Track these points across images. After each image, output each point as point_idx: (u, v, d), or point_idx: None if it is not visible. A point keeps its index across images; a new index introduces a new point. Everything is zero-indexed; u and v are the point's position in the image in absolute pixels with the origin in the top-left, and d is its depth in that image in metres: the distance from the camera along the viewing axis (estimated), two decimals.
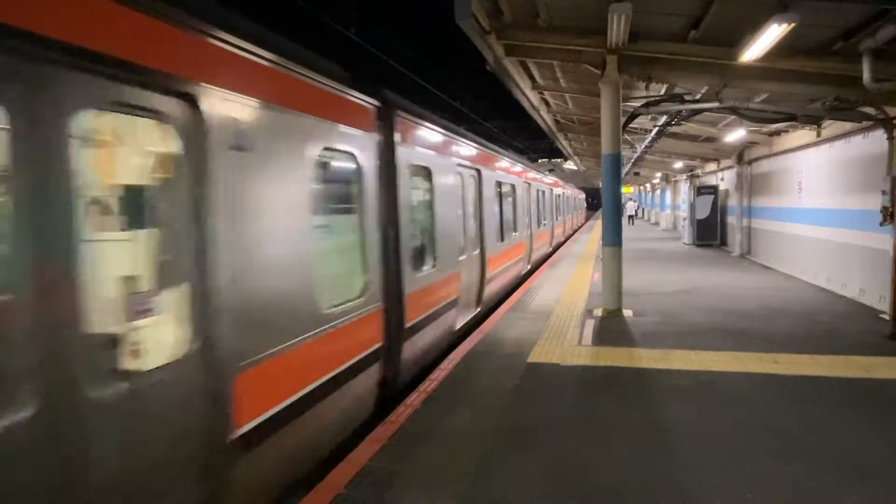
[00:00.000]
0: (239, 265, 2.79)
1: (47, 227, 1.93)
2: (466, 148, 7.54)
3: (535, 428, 4.09)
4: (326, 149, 3.75)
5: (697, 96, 8.88)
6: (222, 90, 2.72)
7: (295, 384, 3.24)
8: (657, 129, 11.26)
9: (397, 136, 4.82)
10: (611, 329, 7.03)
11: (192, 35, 2.59)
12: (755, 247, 14.11)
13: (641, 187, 40.59)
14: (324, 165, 3.84)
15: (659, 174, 27.31)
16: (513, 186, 10.93)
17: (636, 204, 38.67)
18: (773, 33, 5.29)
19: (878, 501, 3.05)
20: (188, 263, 2.56)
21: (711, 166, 18.32)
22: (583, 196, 36.49)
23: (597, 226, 27.73)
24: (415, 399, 4.71)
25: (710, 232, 17.42)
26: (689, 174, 21.06)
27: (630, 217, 35.13)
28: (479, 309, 7.84)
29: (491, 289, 8.46)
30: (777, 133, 11.56)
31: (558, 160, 36.48)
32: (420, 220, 5.78)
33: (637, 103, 9.12)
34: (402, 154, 4.92)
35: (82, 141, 2.16)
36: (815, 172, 10.14)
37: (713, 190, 17.35)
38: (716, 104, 8.09)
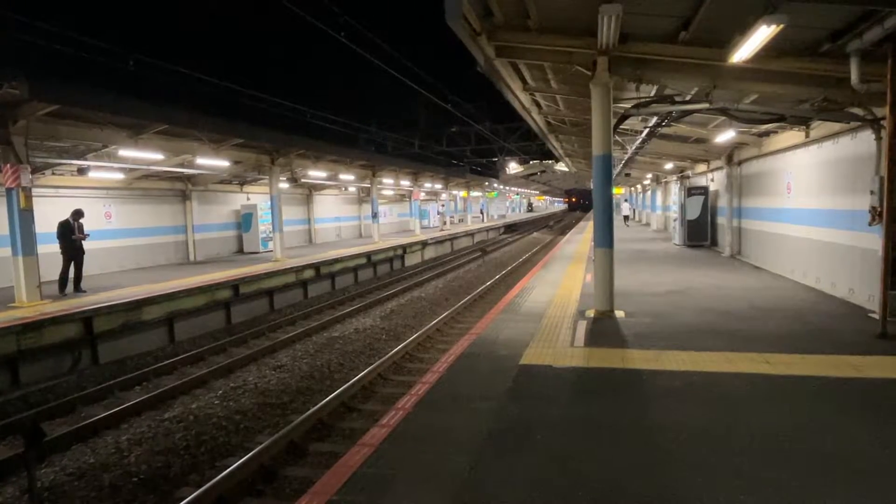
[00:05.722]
0: None
1: None
2: None
3: (528, 430, 4.06)
4: None
5: (687, 97, 8.92)
6: None
7: None
8: (648, 130, 11.29)
9: None
10: (603, 330, 7.03)
11: None
12: (745, 247, 14.20)
13: (632, 188, 40.74)
14: None
15: (650, 175, 27.42)
16: None
17: (629, 205, 38.84)
18: (761, 34, 5.30)
19: (871, 502, 3.05)
20: None
21: (701, 167, 18.43)
22: None
23: (588, 227, 27.80)
24: (406, 402, 4.68)
25: (700, 233, 17.51)
26: (680, 175, 21.16)
27: (625, 217, 35.28)
28: None
29: None
30: (766, 134, 11.64)
31: (550, 162, 36.55)
32: None
33: (627, 104, 9.14)
34: None
35: None
36: (803, 173, 10.22)
37: (703, 191, 17.44)
38: (706, 105, 8.12)
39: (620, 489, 3.22)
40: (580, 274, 12.21)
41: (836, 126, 8.48)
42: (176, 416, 6.86)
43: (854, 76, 5.92)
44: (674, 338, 6.53)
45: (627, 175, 27.01)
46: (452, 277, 18.76)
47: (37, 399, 7.59)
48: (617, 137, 13.30)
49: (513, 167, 39.48)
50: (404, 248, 22.32)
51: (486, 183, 41.28)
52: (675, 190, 19.68)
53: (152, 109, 10.87)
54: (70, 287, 10.82)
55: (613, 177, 9.79)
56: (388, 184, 25.69)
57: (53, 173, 12.74)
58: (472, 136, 34.70)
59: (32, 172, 9.77)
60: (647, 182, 30.93)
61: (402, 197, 33.46)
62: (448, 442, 3.90)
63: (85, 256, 11.24)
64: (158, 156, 12.63)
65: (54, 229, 10.90)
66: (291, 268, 14.67)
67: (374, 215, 23.59)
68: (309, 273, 15.45)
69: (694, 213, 17.56)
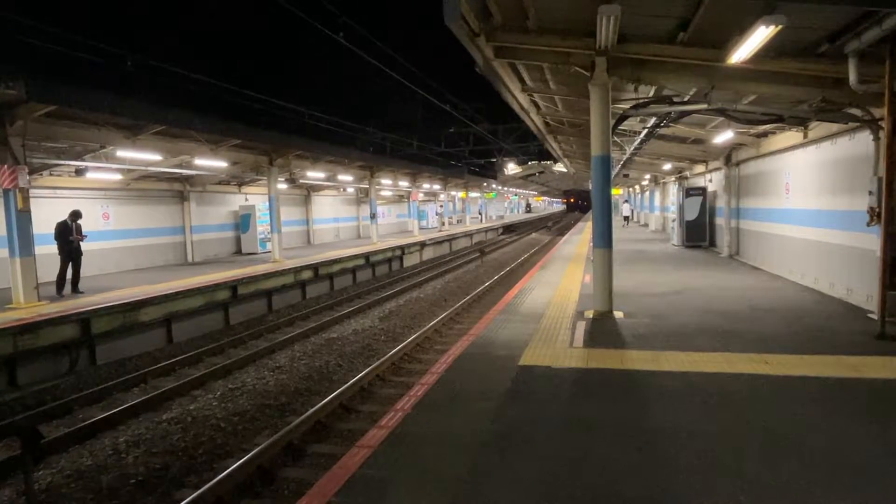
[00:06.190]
0: None
1: None
2: None
3: (527, 431, 4.05)
4: None
5: (686, 98, 8.93)
6: None
7: None
8: (646, 130, 11.31)
9: None
10: (602, 331, 7.03)
11: None
12: (743, 248, 14.21)
13: (631, 189, 40.78)
14: None
15: (648, 176, 27.45)
16: None
17: (630, 206, 38.88)
18: (760, 35, 5.31)
19: (871, 502, 3.05)
20: None
21: (700, 168, 18.44)
22: None
23: (586, 228, 27.81)
24: (405, 403, 4.67)
25: (698, 233, 17.53)
26: (678, 176, 21.18)
27: (626, 218, 35.33)
28: None
29: None
30: (764, 135, 11.64)
31: (548, 162, 36.57)
32: None
33: (626, 105, 9.14)
34: None
35: None
36: (802, 173, 10.23)
37: (702, 191, 17.46)
38: (704, 106, 8.12)
39: (620, 490, 3.21)
40: (579, 274, 12.21)
41: (835, 127, 8.48)
42: (174, 417, 6.84)
43: (852, 77, 5.92)
44: (673, 338, 6.53)
45: (626, 176, 27.03)
46: (451, 278, 18.75)
47: (34, 400, 7.57)
48: (615, 138, 13.32)
49: (511, 168, 39.49)
50: (403, 248, 22.30)
51: (485, 184, 41.29)
52: (673, 191, 19.69)
53: (150, 110, 10.85)
54: (68, 288, 10.79)
55: (612, 177, 9.82)
56: (387, 184, 25.68)
57: (51, 174, 12.71)
58: (470, 137, 34.68)
59: (30, 173, 9.74)
60: (645, 183, 30.96)
61: (401, 198, 33.45)
62: (447, 443, 3.89)
63: (82, 257, 11.21)
64: (156, 156, 12.60)
65: (52, 230, 10.88)
66: (290, 269, 14.65)
67: (373, 216, 23.57)
68: (307, 274, 15.43)
69: (692, 213, 17.57)
